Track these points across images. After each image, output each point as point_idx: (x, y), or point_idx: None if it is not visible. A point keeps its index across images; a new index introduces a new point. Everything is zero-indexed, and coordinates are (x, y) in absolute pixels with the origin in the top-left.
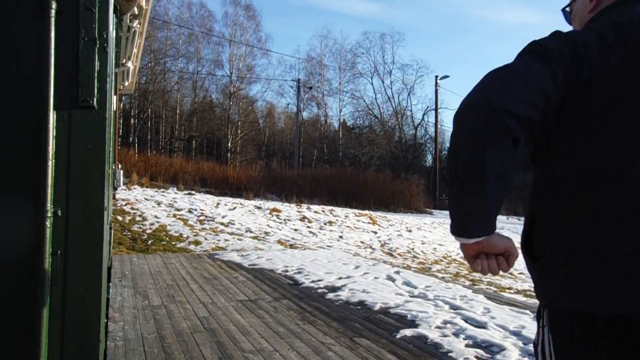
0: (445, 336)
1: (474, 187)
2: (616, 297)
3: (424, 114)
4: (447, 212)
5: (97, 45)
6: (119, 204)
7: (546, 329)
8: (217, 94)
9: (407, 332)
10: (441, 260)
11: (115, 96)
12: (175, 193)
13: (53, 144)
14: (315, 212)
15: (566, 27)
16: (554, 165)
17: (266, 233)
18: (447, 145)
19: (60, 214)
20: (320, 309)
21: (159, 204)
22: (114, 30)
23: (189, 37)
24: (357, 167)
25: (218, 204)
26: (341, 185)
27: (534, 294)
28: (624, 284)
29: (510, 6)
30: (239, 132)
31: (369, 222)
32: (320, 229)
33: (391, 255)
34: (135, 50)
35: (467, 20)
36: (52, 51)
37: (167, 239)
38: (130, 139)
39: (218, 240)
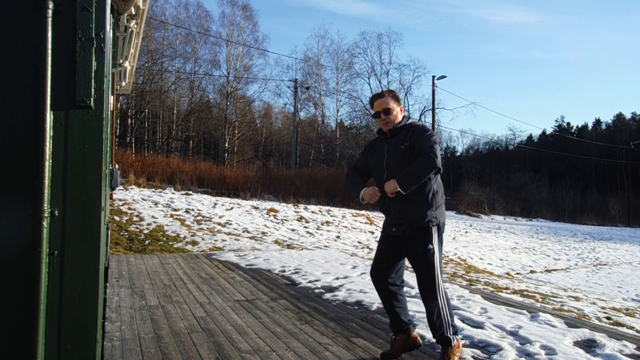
0: None
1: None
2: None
3: (421, 114)
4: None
5: (94, 46)
6: (116, 204)
7: (435, 229)
8: (214, 94)
9: None
10: None
11: (112, 96)
12: (173, 193)
13: (50, 144)
14: (313, 212)
15: None
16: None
17: (263, 233)
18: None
19: (57, 214)
20: (318, 309)
21: (156, 204)
22: (111, 31)
23: (186, 37)
24: None
25: (215, 204)
26: (338, 185)
27: (531, 294)
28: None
29: (505, 6)
30: (236, 132)
31: (366, 222)
32: (317, 229)
33: None
34: (132, 50)
35: (462, 20)
36: (49, 51)
37: (164, 239)
38: (128, 139)
39: (215, 240)
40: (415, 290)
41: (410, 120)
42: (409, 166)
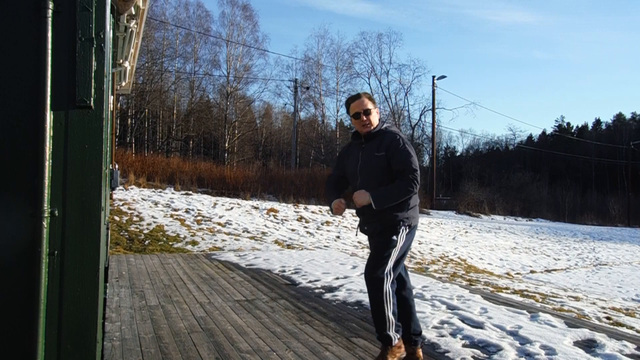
0: (442, 336)
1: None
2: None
3: (421, 114)
4: (444, 212)
5: (94, 46)
6: (116, 204)
7: (405, 228)
8: (214, 94)
9: None
10: (438, 261)
11: (112, 96)
12: (173, 193)
13: (50, 144)
14: (313, 212)
15: None
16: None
17: (263, 233)
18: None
19: (57, 214)
20: (318, 309)
21: (156, 204)
22: (111, 31)
23: (186, 37)
24: None
25: (215, 204)
26: None
27: (531, 294)
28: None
29: (505, 6)
30: (236, 132)
31: None
32: (317, 229)
33: None
34: (132, 50)
35: (462, 20)
36: (49, 51)
37: (164, 239)
38: (128, 139)
39: (215, 240)
40: (415, 291)
41: (385, 125)
42: (388, 186)
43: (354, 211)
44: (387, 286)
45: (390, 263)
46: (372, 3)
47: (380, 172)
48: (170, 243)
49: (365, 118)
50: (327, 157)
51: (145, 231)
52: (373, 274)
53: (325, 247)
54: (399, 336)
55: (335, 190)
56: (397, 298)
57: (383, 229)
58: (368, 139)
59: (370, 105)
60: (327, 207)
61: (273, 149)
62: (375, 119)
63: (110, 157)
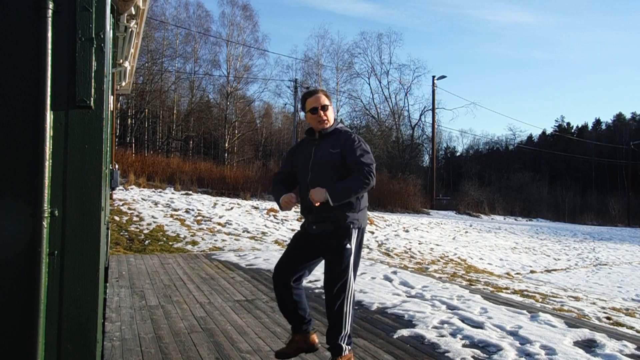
0: (442, 336)
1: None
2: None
3: (421, 114)
4: (444, 212)
5: (94, 46)
6: (116, 204)
7: (355, 232)
8: (214, 94)
9: (404, 332)
10: (438, 261)
11: (112, 96)
12: (173, 193)
13: (50, 144)
14: None
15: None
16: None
17: (263, 233)
18: (445, 145)
19: (57, 214)
20: (317, 309)
21: (156, 204)
22: (111, 31)
23: (186, 37)
24: None
25: (215, 204)
26: None
27: (531, 294)
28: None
29: (505, 6)
30: (236, 132)
31: None
32: None
33: (388, 255)
34: (132, 50)
35: (462, 20)
36: (49, 51)
37: (164, 239)
38: (128, 139)
39: (215, 240)
40: (415, 291)
41: (339, 125)
42: (344, 180)
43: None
44: (349, 298)
45: (351, 279)
46: (372, 3)
47: (333, 169)
48: (170, 243)
49: (322, 114)
50: None
51: (145, 231)
52: (336, 293)
53: None
54: (350, 348)
55: (284, 187)
56: (289, 290)
57: (334, 230)
58: (323, 136)
59: (327, 102)
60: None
61: (273, 149)
62: (332, 116)
63: (110, 157)
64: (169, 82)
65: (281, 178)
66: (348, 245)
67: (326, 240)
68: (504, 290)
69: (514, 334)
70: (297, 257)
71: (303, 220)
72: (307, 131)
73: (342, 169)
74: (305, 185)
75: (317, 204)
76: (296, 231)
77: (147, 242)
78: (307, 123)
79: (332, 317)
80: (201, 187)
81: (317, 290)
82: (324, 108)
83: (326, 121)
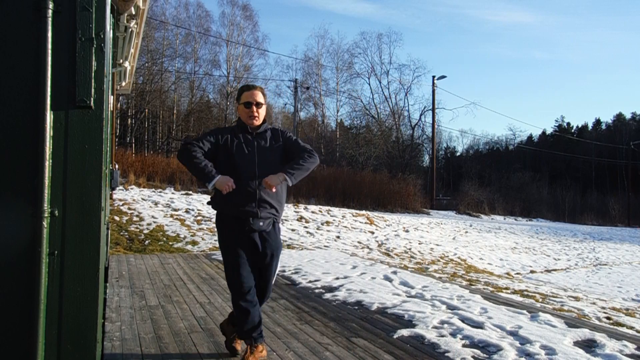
0: (442, 336)
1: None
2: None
3: (421, 114)
4: (444, 213)
5: (94, 46)
6: (116, 204)
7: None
8: (214, 94)
9: (404, 332)
10: (438, 261)
11: (112, 96)
12: (173, 193)
13: (50, 144)
14: (313, 212)
15: None
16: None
17: None
18: (445, 145)
19: (57, 214)
20: (318, 309)
21: (156, 204)
22: (111, 31)
23: (186, 37)
24: (354, 167)
25: None
26: (338, 185)
27: (531, 294)
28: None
29: (505, 6)
30: None
31: (366, 222)
32: (317, 229)
33: (388, 255)
34: (132, 50)
35: (462, 20)
36: (49, 51)
37: (164, 239)
38: (128, 139)
39: (215, 240)
40: (415, 291)
41: (270, 125)
42: (294, 160)
43: (354, 211)
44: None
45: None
46: (372, 3)
47: (279, 163)
48: (170, 243)
49: (255, 109)
50: (327, 157)
51: (145, 231)
52: (268, 291)
53: (325, 247)
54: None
55: (212, 166)
56: (255, 299)
57: (273, 225)
58: (258, 134)
59: (262, 100)
60: (327, 207)
61: None
62: (262, 114)
63: (110, 157)
64: (169, 82)
65: (203, 154)
66: (280, 243)
67: (267, 236)
68: (504, 290)
69: (514, 334)
70: (247, 262)
71: (229, 217)
72: (241, 124)
73: (284, 162)
74: (250, 179)
75: (273, 190)
76: (224, 234)
77: (147, 242)
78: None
79: (258, 315)
80: (201, 187)
81: (317, 291)
82: (258, 105)
83: (256, 118)
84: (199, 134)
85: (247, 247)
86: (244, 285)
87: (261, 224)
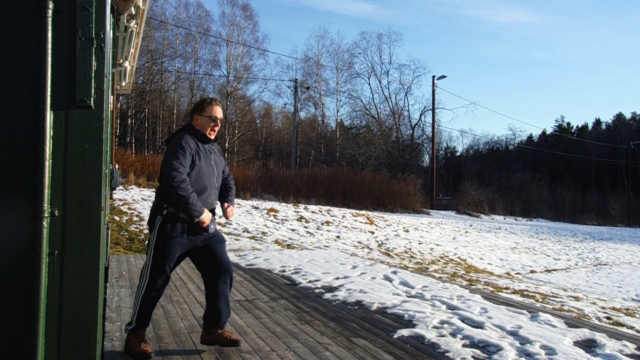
0: (442, 336)
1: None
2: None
3: (421, 114)
4: (444, 212)
5: (94, 45)
6: (116, 204)
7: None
8: (214, 94)
9: (404, 332)
10: (438, 261)
11: (112, 96)
12: None
13: (50, 144)
14: (313, 212)
15: None
16: None
17: (263, 233)
18: (445, 145)
19: (57, 214)
20: (318, 309)
21: None
22: (111, 31)
23: (186, 37)
24: (354, 167)
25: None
26: (338, 185)
27: (531, 294)
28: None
29: (505, 6)
30: (236, 132)
31: (366, 222)
32: (317, 229)
33: (388, 255)
34: (132, 50)
35: (462, 20)
36: (49, 51)
37: None
38: (128, 139)
39: None
40: (415, 291)
41: None
42: (232, 190)
43: (354, 211)
44: None
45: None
46: (372, 3)
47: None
48: None
49: (218, 127)
50: (327, 157)
51: (145, 231)
52: (230, 276)
53: (325, 247)
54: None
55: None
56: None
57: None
58: (210, 146)
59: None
60: (327, 207)
61: (273, 149)
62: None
63: (110, 157)
64: (169, 82)
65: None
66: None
67: (212, 239)
68: (504, 290)
69: (514, 333)
70: (174, 264)
71: (182, 223)
72: (202, 135)
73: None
74: (212, 191)
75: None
76: (168, 239)
77: (147, 242)
78: (205, 125)
79: (226, 303)
80: None
81: (317, 290)
82: (220, 122)
83: (214, 134)
84: None
85: (186, 251)
86: (167, 279)
87: (212, 226)
